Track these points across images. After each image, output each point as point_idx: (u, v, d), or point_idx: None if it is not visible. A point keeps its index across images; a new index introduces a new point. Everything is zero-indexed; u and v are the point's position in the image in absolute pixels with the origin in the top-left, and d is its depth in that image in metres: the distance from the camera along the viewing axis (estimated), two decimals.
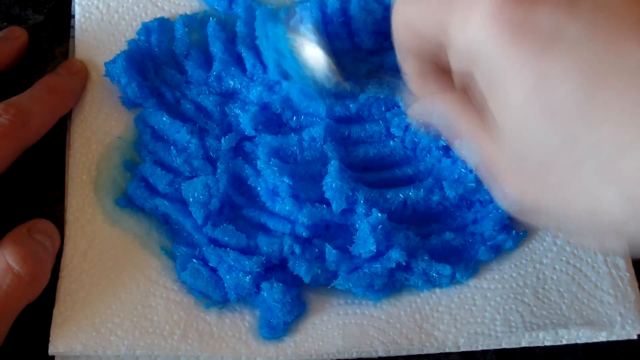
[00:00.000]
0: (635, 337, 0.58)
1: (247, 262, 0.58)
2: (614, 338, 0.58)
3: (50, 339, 0.56)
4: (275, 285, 0.58)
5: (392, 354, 0.58)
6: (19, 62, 0.70)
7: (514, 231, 0.62)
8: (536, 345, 0.58)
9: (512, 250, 0.62)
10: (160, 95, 0.67)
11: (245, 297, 0.59)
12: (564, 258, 0.61)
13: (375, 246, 0.58)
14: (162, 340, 0.57)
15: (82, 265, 0.59)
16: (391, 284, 0.59)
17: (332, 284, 0.59)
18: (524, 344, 0.58)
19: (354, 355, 0.58)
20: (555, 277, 0.60)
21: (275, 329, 0.58)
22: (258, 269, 0.59)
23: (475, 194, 0.62)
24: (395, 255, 0.59)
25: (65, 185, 0.63)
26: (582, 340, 0.58)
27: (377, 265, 0.58)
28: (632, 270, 0.60)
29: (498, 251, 0.61)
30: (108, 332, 0.56)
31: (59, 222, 0.63)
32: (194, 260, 0.60)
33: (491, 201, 0.62)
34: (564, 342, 0.58)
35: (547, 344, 0.58)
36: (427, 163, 0.64)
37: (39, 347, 0.59)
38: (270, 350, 0.57)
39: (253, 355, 0.57)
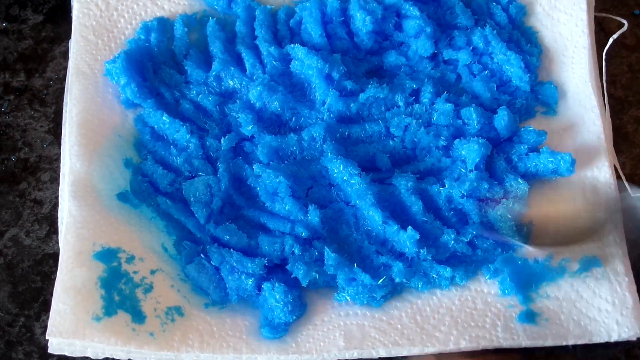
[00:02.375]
0: (634, 339, 0.58)
1: (249, 265, 0.58)
2: (614, 339, 0.58)
3: (49, 331, 0.56)
4: (277, 285, 0.58)
5: (393, 354, 0.58)
6: (19, 63, 0.71)
7: (524, 227, 0.62)
8: (537, 346, 0.58)
9: (522, 245, 0.62)
10: (159, 95, 0.66)
11: (246, 298, 0.60)
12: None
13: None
14: (163, 340, 0.57)
15: (79, 265, 0.58)
16: (392, 290, 0.60)
17: (334, 299, 0.59)
18: (524, 345, 0.58)
19: (355, 356, 0.58)
20: (554, 285, 0.60)
21: (277, 329, 0.58)
22: (260, 272, 0.59)
23: (484, 191, 0.62)
24: (398, 267, 0.59)
25: (63, 185, 0.63)
26: (582, 341, 0.58)
27: (377, 280, 0.59)
28: (631, 275, 0.60)
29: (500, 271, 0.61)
30: (108, 333, 0.56)
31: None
32: (201, 255, 0.60)
33: (504, 197, 0.62)
34: (564, 344, 0.58)
35: (549, 345, 0.58)
36: (426, 163, 0.64)
37: (39, 348, 0.60)
38: (272, 349, 0.57)
39: (254, 355, 0.57)
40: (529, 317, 0.58)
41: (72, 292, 0.57)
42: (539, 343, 0.58)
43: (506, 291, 0.59)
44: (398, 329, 0.58)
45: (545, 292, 0.59)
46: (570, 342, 0.58)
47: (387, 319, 0.59)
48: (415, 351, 0.57)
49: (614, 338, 0.58)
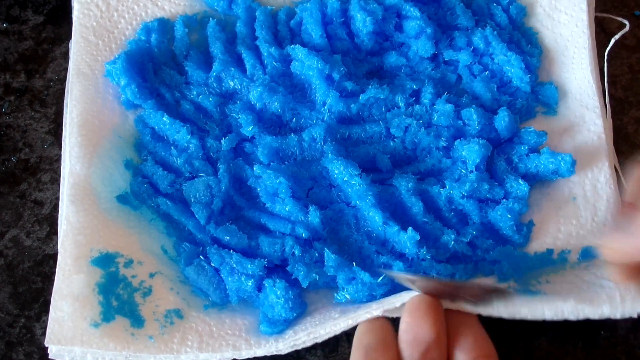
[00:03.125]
0: (636, 314, 0.57)
1: (249, 266, 0.58)
2: (616, 313, 0.56)
3: (47, 339, 0.56)
4: (277, 281, 0.58)
5: (387, 307, 0.55)
6: (19, 63, 0.71)
7: (524, 227, 0.62)
8: (536, 318, 0.55)
9: (523, 246, 0.62)
10: (160, 96, 0.67)
11: (246, 299, 0.60)
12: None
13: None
14: (162, 344, 0.57)
15: (76, 272, 0.58)
16: (392, 289, 0.60)
17: (334, 300, 0.59)
18: (523, 315, 0.55)
19: (349, 321, 0.55)
20: (555, 273, 0.60)
21: (275, 324, 0.58)
22: (260, 273, 0.59)
23: (484, 192, 0.62)
24: (398, 267, 0.59)
25: (62, 185, 0.63)
26: (584, 314, 0.55)
27: (377, 278, 0.58)
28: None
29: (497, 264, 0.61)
30: (106, 338, 0.56)
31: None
32: (201, 256, 0.60)
33: (505, 197, 0.62)
34: (565, 316, 0.55)
35: (548, 317, 0.56)
36: (427, 164, 0.64)
37: (39, 349, 0.60)
38: (270, 340, 0.57)
39: (253, 349, 0.57)
40: (527, 293, 0.57)
41: (70, 300, 0.57)
42: (538, 313, 0.55)
43: (504, 276, 0.59)
44: (395, 297, 0.56)
45: (545, 280, 0.59)
46: (569, 307, 0.55)
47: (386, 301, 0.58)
48: (405, 297, 0.55)
49: (616, 304, 0.55)
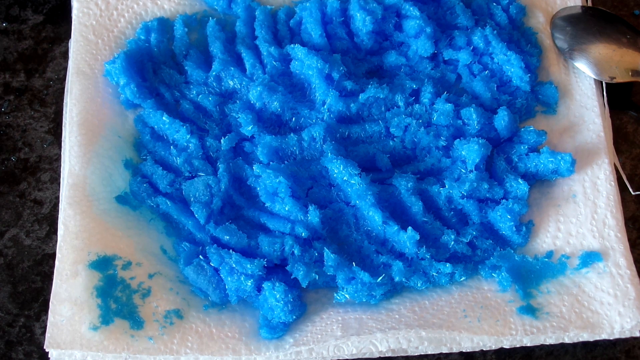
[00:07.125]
0: (637, 334, 0.58)
1: (249, 265, 0.58)
2: (614, 337, 0.58)
3: (47, 344, 0.56)
4: (277, 284, 0.58)
5: (391, 341, 0.57)
6: (19, 63, 0.71)
7: (524, 227, 0.62)
8: (537, 344, 0.58)
9: (523, 246, 0.62)
10: (159, 95, 0.67)
11: (245, 299, 0.60)
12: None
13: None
14: (162, 344, 0.57)
15: (74, 276, 0.58)
16: (392, 289, 0.60)
17: (334, 300, 0.59)
18: (525, 342, 0.58)
19: (353, 350, 0.57)
20: (555, 281, 0.60)
21: (275, 329, 0.58)
22: (260, 273, 0.59)
23: (484, 192, 0.62)
24: (398, 266, 0.59)
25: (61, 185, 0.63)
26: (584, 338, 0.58)
27: (376, 278, 0.59)
28: (633, 268, 0.60)
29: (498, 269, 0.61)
30: (106, 341, 0.56)
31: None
32: (200, 256, 0.60)
33: (504, 197, 0.63)
34: (566, 341, 0.58)
35: (549, 342, 0.58)
36: (426, 163, 0.64)
37: (39, 348, 0.60)
38: (270, 348, 0.57)
39: (253, 355, 0.57)
40: (529, 310, 0.58)
41: (68, 304, 0.57)
42: (540, 339, 0.58)
43: (505, 284, 0.60)
44: (396, 318, 0.58)
45: (546, 288, 0.59)
46: (571, 334, 0.57)
47: (386, 312, 0.59)
48: (411, 334, 0.57)
49: (616, 329, 0.57)
